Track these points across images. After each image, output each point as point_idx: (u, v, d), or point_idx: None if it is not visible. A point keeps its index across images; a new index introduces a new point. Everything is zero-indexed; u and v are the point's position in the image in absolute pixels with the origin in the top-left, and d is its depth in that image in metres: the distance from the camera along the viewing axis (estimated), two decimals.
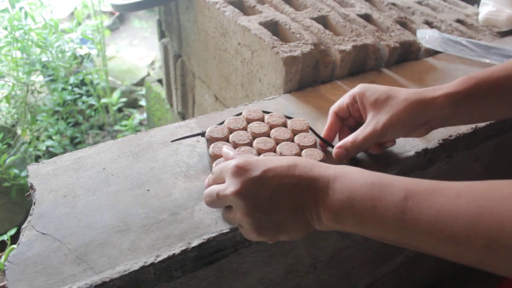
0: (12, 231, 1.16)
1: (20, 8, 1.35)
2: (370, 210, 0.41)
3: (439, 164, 0.74)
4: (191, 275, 0.55)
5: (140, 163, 0.60)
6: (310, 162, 0.46)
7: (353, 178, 0.43)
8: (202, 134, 0.64)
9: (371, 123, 0.56)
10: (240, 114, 0.67)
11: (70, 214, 0.52)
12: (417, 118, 0.55)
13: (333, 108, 0.62)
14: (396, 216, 0.39)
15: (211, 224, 0.52)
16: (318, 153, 0.59)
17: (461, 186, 0.39)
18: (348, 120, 0.62)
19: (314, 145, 0.61)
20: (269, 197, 0.44)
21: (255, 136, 0.63)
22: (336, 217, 0.43)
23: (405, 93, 0.56)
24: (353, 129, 0.61)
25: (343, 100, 0.61)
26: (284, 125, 0.66)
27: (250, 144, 0.61)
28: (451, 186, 0.39)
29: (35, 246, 0.48)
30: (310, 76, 0.83)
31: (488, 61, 0.94)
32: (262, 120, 0.67)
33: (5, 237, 1.12)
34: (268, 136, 0.63)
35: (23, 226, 0.50)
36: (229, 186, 0.45)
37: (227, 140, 0.62)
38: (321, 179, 0.44)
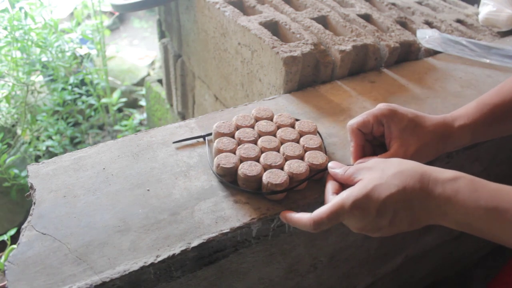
0: (12, 231, 1.16)
1: (20, 8, 1.35)
2: (487, 234, 0.44)
3: (439, 164, 0.74)
4: (191, 275, 0.55)
5: (140, 163, 0.60)
6: (416, 179, 0.46)
7: (464, 202, 0.44)
8: (204, 137, 0.65)
9: (399, 151, 0.57)
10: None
11: (70, 214, 0.52)
12: (441, 150, 0.60)
13: (355, 125, 0.59)
14: None
15: (211, 224, 0.52)
16: (321, 156, 0.59)
17: None
18: (367, 135, 0.62)
19: (318, 148, 0.61)
20: (388, 225, 0.48)
21: (261, 134, 0.63)
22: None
23: (430, 123, 0.59)
24: (370, 142, 0.62)
25: (367, 118, 0.59)
26: (292, 125, 0.66)
27: (255, 142, 0.61)
28: None
29: (35, 246, 0.48)
30: (310, 76, 0.83)
31: (488, 61, 0.94)
32: (271, 119, 0.67)
33: (5, 237, 1.12)
34: (274, 135, 0.64)
35: (23, 226, 0.50)
36: (352, 226, 0.50)
37: (232, 136, 0.62)
38: (432, 202, 0.46)
